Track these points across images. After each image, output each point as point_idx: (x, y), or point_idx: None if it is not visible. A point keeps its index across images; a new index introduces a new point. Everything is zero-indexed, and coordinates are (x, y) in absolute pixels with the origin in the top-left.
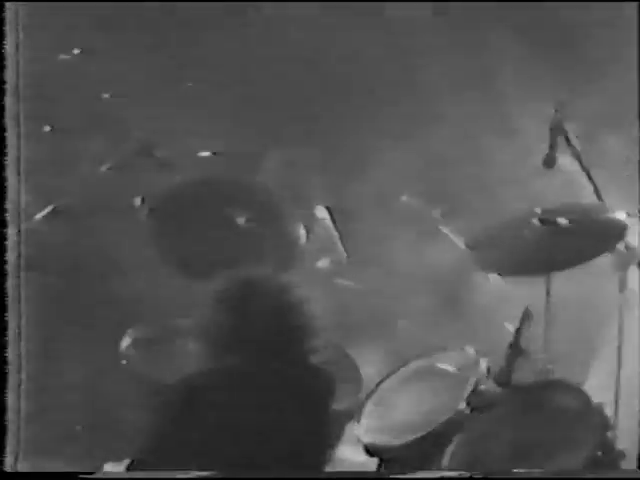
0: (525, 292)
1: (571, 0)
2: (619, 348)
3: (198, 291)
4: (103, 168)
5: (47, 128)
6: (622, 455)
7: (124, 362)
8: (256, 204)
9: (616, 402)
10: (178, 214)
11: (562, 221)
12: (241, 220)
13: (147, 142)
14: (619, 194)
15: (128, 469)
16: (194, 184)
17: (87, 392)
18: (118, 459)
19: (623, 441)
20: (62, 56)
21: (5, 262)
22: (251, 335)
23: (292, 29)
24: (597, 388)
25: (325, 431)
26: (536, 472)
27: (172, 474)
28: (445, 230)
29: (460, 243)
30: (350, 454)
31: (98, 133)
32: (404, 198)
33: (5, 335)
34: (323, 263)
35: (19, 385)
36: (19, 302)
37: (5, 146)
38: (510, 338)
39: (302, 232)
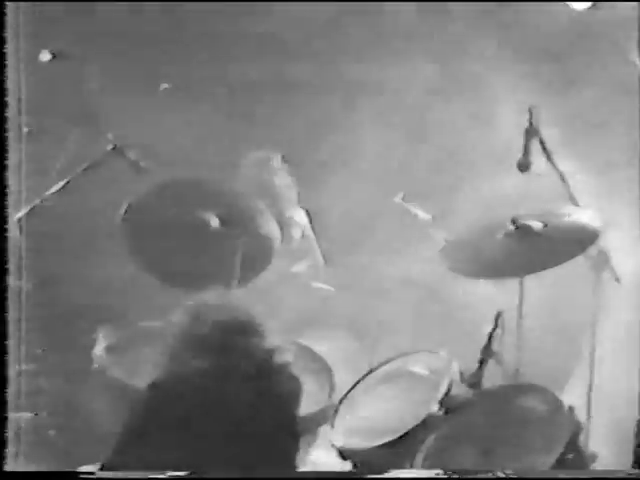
0: (498, 295)
1: (573, 0)
2: (592, 351)
3: (171, 295)
4: (78, 170)
5: (25, 129)
6: (594, 457)
7: (96, 366)
8: (230, 207)
9: (588, 404)
10: (151, 217)
11: (536, 225)
12: (215, 223)
13: (121, 144)
14: (594, 198)
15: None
16: (167, 187)
17: (59, 396)
18: (92, 462)
19: (596, 443)
20: (40, 59)
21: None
22: (212, 340)
23: (266, 24)
24: (569, 391)
25: (293, 434)
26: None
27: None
28: (435, 233)
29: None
30: (325, 458)
31: (74, 134)
32: (397, 199)
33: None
34: (299, 267)
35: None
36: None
37: (6, 150)
38: (482, 341)
39: (277, 235)
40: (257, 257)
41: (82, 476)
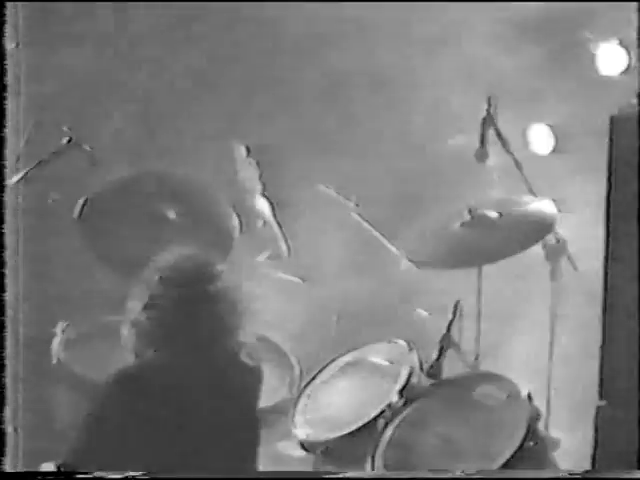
0: (456, 285)
1: (571, 0)
2: (551, 338)
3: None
4: (34, 163)
5: None
6: (556, 444)
7: (55, 361)
8: (188, 198)
9: (548, 391)
10: (108, 210)
11: (492, 214)
12: (172, 214)
13: (77, 136)
14: (548, 186)
15: (59, 469)
16: (124, 181)
17: (19, 392)
18: (51, 459)
19: (557, 430)
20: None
21: None
22: (179, 329)
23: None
24: (528, 378)
25: (254, 427)
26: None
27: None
28: (358, 218)
29: (376, 233)
30: (288, 449)
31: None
32: (321, 187)
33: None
34: (262, 257)
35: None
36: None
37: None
38: (441, 331)
39: (236, 225)
40: (214, 249)
41: (80, 476)
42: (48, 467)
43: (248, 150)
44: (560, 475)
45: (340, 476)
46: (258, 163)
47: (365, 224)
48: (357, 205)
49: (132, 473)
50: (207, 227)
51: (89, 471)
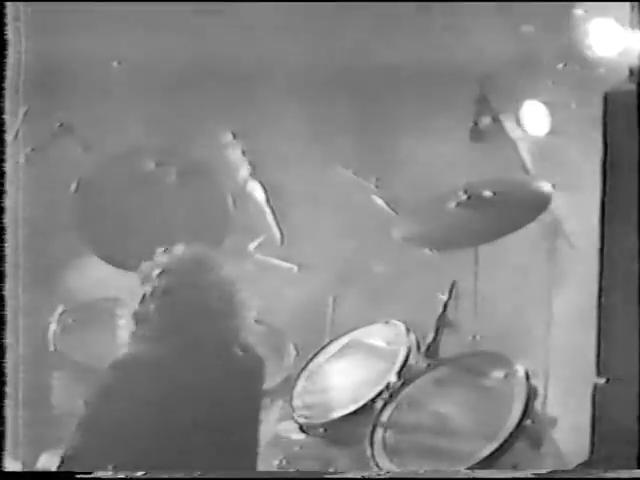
0: (453, 264)
1: (570, 0)
2: (549, 316)
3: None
4: (27, 149)
5: None
6: (553, 422)
7: (52, 349)
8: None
9: (546, 369)
10: (104, 191)
11: (487, 193)
12: (171, 179)
13: (69, 121)
14: (543, 165)
15: (59, 466)
16: (116, 161)
17: (15, 381)
18: (51, 448)
19: (554, 408)
20: None
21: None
22: (178, 320)
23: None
24: (527, 357)
25: (255, 415)
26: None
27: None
28: (378, 200)
29: (392, 212)
30: (287, 432)
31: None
32: (338, 169)
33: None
34: (256, 244)
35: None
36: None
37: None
38: (438, 310)
39: (231, 203)
40: (213, 228)
41: (80, 476)
42: (49, 456)
43: (234, 136)
44: (560, 475)
45: (340, 476)
46: (244, 152)
47: (385, 205)
48: (377, 187)
49: (132, 473)
50: (205, 201)
51: (88, 470)
